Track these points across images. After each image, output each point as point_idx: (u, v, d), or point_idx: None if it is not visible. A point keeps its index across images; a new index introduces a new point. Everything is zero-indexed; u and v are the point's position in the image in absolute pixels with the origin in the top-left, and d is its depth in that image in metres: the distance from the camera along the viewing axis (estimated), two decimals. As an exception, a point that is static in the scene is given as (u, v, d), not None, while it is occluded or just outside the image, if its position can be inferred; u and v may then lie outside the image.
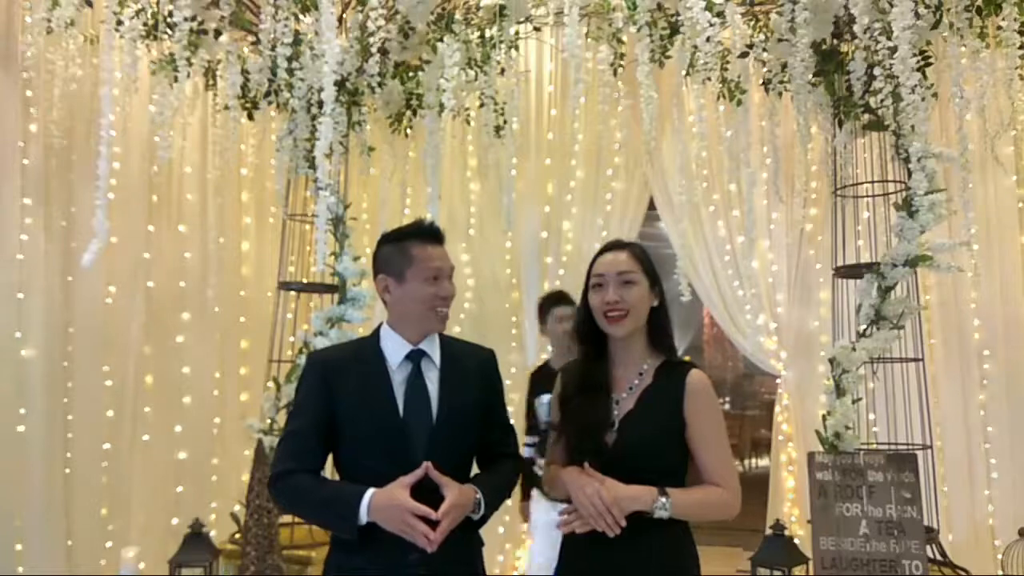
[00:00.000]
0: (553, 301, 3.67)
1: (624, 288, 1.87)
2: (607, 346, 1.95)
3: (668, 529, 1.80)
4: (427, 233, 1.90)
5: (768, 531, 3.45)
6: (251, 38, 3.58)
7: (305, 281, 3.91)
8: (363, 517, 1.71)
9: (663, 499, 1.75)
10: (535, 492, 3.41)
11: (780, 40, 3.27)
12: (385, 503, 1.69)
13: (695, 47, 3.02)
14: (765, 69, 3.65)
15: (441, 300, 1.87)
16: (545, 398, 3.17)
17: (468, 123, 4.14)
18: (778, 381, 4.34)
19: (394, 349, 1.88)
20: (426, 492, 1.74)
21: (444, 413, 1.83)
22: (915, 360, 3.39)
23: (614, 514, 1.71)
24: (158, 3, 3.35)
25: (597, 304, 1.89)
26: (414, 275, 1.85)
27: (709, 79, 3.21)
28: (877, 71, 2.98)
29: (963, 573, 3.28)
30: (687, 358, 2.20)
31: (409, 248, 1.87)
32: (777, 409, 4.35)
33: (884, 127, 3.15)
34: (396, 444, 1.79)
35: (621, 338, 1.90)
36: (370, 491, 1.71)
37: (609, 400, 1.89)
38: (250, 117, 3.82)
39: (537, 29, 3.81)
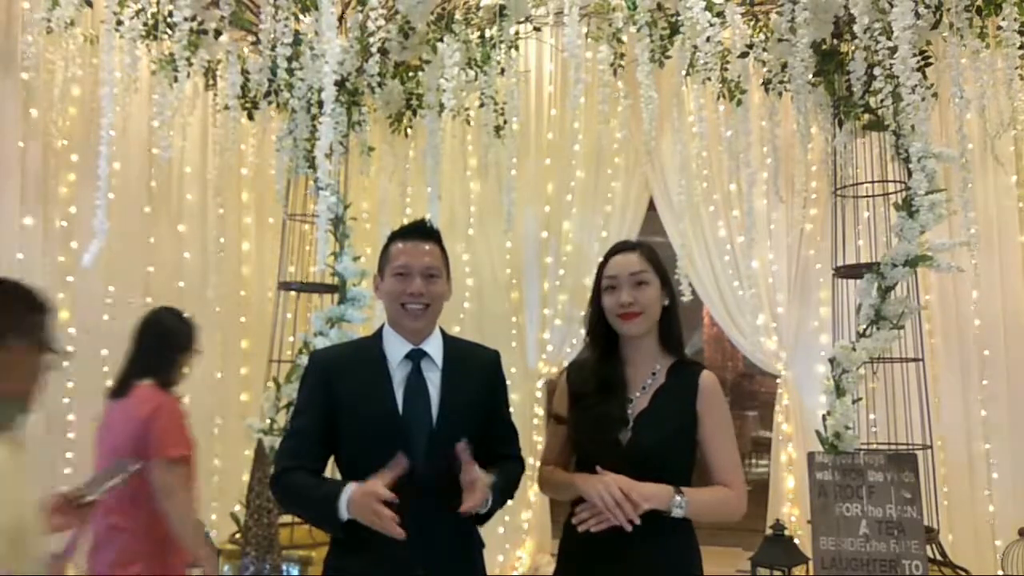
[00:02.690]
0: None
1: (637, 289, 1.88)
2: (618, 346, 1.96)
3: (675, 529, 1.81)
4: (408, 231, 1.91)
5: (768, 531, 3.45)
6: (251, 38, 3.58)
7: (305, 281, 3.91)
8: (343, 513, 1.68)
9: (679, 498, 1.76)
10: None
11: (780, 40, 3.27)
12: (359, 495, 1.66)
13: (695, 47, 3.02)
14: (765, 69, 3.65)
15: (408, 296, 1.83)
16: None
17: (468, 123, 4.14)
18: (778, 381, 4.34)
19: (394, 348, 1.87)
20: (426, 494, 1.74)
21: (444, 413, 1.83)
22: (915, 360, 3.39)
23: (633, 501, 1.70)
24: (158, 3, 3.35)
25: (611, 306, 1.90)
26: (388, 272, 1.87)
27: (709, 79, 3.22)
28: (877, 71, 2.98)
29: (963, 573, 3.28)
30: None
31: (389, 247, 1.89)
32: (777, 409, 4.35)
33: (884, 127, 3.15)
34: (396, 443, 1.78)
35: (634, 338, 1.92)
36: (350, 486, 1.69)
37: (624, 399, 1.90)
38: (250, 117, 3.82)
39: (537, 29, 3.81)
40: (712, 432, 1.87)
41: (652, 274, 1.90)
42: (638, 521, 1.70)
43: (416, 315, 1.84)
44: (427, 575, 1.74)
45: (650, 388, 1.90)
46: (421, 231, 1.90)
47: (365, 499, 1.64)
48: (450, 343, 1.94)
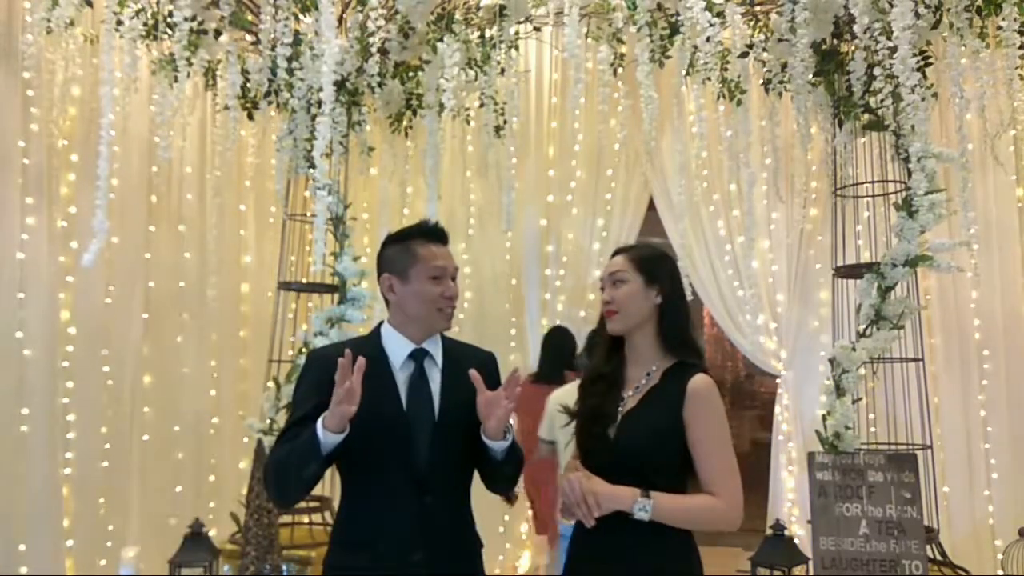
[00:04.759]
0: None
1: (613, 288, 1.92)
2: (623, 346, 1.98)
3: (672, 530, 1.80)
4: (431, 232, 1.90)
5: (768, 531, 3.45)
6: (251, 38, 3.58)
7: (305, 281, 3.91)
8: (320, 431, 1.66)
9: (644, 500, 1.74)
10: None
11: (780, 40, 3.27)
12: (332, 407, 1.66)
13: (695, 47, 3.02)
14: (765, 69, 3.65)
15: (446, 300, 1.86)
16: None
17: (468, 123, 4.15)
18: (778, 381, 4.34)
19: (397, 348, 1.87)
20: (427, 491, 1.75)
21: (446, 411, 1.84)
22: (915, 360, 3.39)
23: (588, 504, 1.73)
24: (158, 3, 3.35)
25: (601, 305, 1.97)
26: (418, 274, 1.85)
27: (709, 79, 3.21)
28: (877, 71, 2.98)
29: (963, 573, 3.28)
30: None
31: (413, 247, 1.87)
32: (777, 409, 4.35)
33: (884, 127, 3.15)
34: (399, 440, 1.79)
35: (630, 337, 1.94)
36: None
37: (618, 395, 1.91)
38: (250, 117, 3.82)
39: (537, 29, 3.81)
40: (700, 438, 1.82)
41: (631, 273, 1.91)
42: (593, 522, 1.74)
43: (449, 317, 1.89)
44: (426, 573, 1.74)
45: (643, 388, 1.90)
46: (442, 233, 1.92)
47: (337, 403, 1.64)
48: (448, 343, 1.96)
